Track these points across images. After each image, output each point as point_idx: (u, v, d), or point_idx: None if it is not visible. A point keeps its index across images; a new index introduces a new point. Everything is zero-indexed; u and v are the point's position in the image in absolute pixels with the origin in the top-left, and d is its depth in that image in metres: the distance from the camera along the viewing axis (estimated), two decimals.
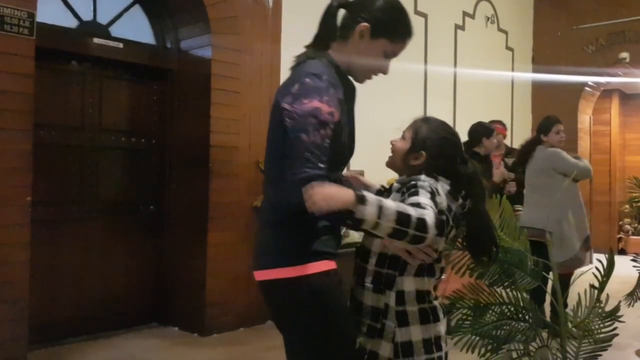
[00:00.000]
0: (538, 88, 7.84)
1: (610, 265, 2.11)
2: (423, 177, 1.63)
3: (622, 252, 8.60)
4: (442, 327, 1.62)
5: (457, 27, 6.61)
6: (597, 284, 2.15)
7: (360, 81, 1.67)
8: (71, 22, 3.85)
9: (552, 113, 7.29)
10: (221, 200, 4.08)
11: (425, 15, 6.02)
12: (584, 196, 7.54)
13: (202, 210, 4.04)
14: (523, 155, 4.37)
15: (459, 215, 1.66)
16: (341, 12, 1.62)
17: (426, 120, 1.77)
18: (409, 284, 1.59)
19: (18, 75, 3.11)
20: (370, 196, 1.35)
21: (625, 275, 3.48)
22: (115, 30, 4.06)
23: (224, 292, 4.07)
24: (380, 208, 1.33)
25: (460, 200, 1.66)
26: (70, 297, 3.79)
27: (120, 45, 3.98)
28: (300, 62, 1.58)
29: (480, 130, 4.33)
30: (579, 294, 2.18)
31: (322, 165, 1.41)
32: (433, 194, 1.54)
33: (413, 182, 1.58)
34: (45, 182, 3.59)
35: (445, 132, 1.75)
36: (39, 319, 3.44)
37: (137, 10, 4.22)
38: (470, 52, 6.70)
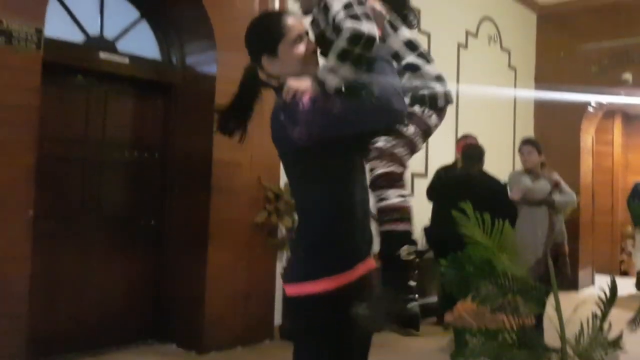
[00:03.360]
0: (540, 107, 7.85)
1: (613, 293, 2.10)
2: None
3: (624, 273, 8.57)
4: None
5: (460, 45, 6.64)
6: (599, 312, 2.14)
7: (314, 70, 1.67)
8: (78, 37, 3.87)
9: (554, 133, 7.42)
10: (222, 216, 4.08)
11: (428, 34, 6.05)
12: (586, 217, 7.60)
13: (203, 226, 4.04)
14: None
15: None
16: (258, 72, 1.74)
17: None
18: None
19: (24, 89, 3.14)
20: (319, 73, 1.54)
21: (627, 298, 3.46)
22: (122, 45, 4.08)
23: (223, 310, 4.05)
24: (331, 70, 1.52)
25: None
26: (69, 312, 3.77)
27: (126, 60, 4.00)
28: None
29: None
30: (581, 322, 2.17)
31: (364, 92, 1.53)
32: None
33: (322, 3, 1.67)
34: (46, 195, 3.58)
35: None
36: (38, 334, 3.42)
37: (143, 25, 4.25)
38: (473, 71, 6.72)
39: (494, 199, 3.87)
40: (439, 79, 1.72)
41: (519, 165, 6.09)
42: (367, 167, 1.64)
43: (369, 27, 1.54)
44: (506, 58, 7.48)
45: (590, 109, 7.73)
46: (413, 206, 1.63)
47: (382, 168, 1.59)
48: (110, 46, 4.02)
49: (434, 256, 4.53)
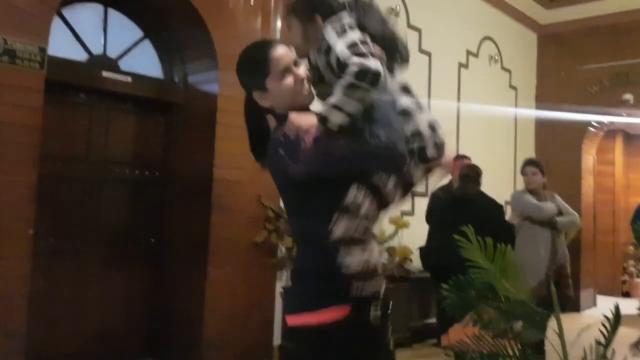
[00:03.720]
0: (541, 127, 7.87)
1: (617, 320, 2.08)
2: (327, 26, 1.67)
3: (626, 294, 8.52)
4: None
5: (460, 65, 6.67)
6: (602, 339, 2.12)
7: (306, 104, 1.68)
8: (81, 56, 3.89)
9: (556, 152, 7.42)
10: (222, 235, 4.07)
11: (429, 54, 6.09)
12: (588, 237, 7.57)
13: (203, 245, 4.02)
14: None
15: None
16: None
17: (289, 4, 1.81)
18: None
19: (27, 108, 3.14)
20: (323, 109, 1.52)
21: (629, 320, 3.43)
22: (124, 64, 4.10)
23: (221, 330, 4.02)
24: (335, 107, 1.50)
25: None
26: (67, 330, 3.74)
27: (129, 79, 4.02)
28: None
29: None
30: (584, 350, 2.15)
31: (368, 137, 1.51)
32: (342, 31, 1.62)
33: (323, 43, 1.64)
34: (47, 213, 3.57)
35: None
36: (37, 352, 3.39)
37: (146, 44, 4.27)
38: (474, 90, 6.75)
39: (491, 220, 3.86)
40: (433, 127, 1.67)
41: (519, 185, 6.10)
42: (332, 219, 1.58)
43: (375, 63, 1.53)
44: (507, 78, 7.51)
45: (592, 129, 7.74)
46: (380, 263, 1.59)
47: (343, 226, 1.53)
48: (113, 65, 4.03)
49: (431, 278, 4.50)
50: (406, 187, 1.64)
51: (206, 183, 4.05)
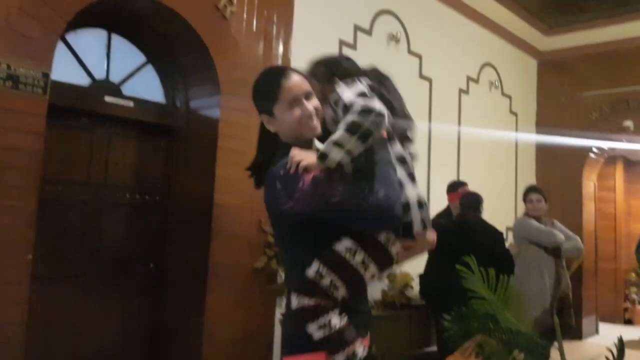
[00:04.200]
0: (542, 153, 7.88)
1: (621, 353, 2.06)
2: (340, 84, 1.71)
3: (628, 321, 8.44)
4: None
5: (461, 91, 6.71)
6: None
7: (309, 137, 1.69)
8: (84, 80, 3.91)
9: (556, 178, 7.42)
10: (222, 260, 4.04)
11: (429, 80, 6.13)
12: (589, 263, 7.53)
13: (202, 270, 4.00)
14: None
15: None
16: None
17: (309, 66, 1.83)
18: None
19: (29, 133, 3.14)
20: (324, 146, 1.51)
21: (631, 348, 3.40)
22: (127, 88, 4.12)
23: (220, 356, 3.97)
24: (336, 144, 1.49)
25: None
26: (65, 356, 3.69)
27: (131, 103, 4.03)
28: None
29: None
30: None
31: (365, 190, 1.49)
32: (351, 84, 1.65)
33: (334, 96, 1.66)
34: (46, 237, 3.56)
35: (330, 55, 1.85)
36: None
37: (149, 69, 4.29)
38: (474, 116, 6.78)
39: (491, 248, 3.85)
40: (421, 204, 1.65)
41: (520, 211, 6.09)
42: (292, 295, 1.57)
43: (380, 105, 1.53)
44: (507, 103, 7.55)
45: (592, 155, 7.75)
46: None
47: (305, 300, 1.51)
48: (116, 89, 4.05)
49: (430, 307, 4.47)
50: (382, 265, 1.62)
51: (206, 208, 4.04)
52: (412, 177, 1.67)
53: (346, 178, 1.51)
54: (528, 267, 4.15)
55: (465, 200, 4.31)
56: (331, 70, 1.75)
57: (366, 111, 1.51)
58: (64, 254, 3.78)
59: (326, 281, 1.51)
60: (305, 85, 1.66)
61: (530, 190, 4.54)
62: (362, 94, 1.59)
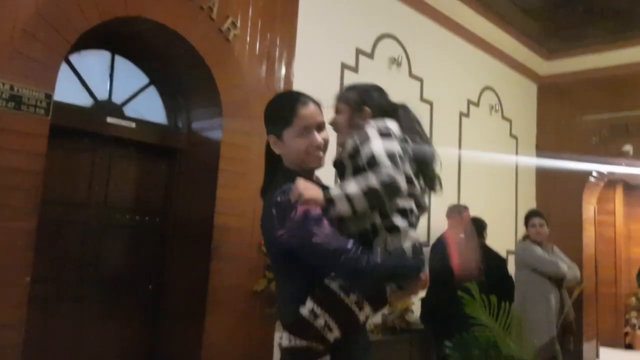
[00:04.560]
0: (542, 176, 7.88)
1: None
2: (372, 122, 1.67)
3: (629, 346, 8.38)
4: None
5: (461, 114, 6.73)
6: None
7: (313, 168, 1.70)
8: (86, 101, 3.92)
9: (556, 202, 7.41)
10: (221, 283, 4.02)
11: (430, 103, 6.15)
12: (590, 288, 7.48)
13: (201, 293, 3.97)
14: None
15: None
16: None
17: (346, 87, 1.84)
18: None
19: (30, 154, 3.13)
20: (335, 193, 1.48)
21: None
22: (129, 109, 4.13)
23: None
24: (348, 198, 1.46)
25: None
26: None
27: (133, 124, 4.04)
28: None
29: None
30: None
31: (348, 244, 1.48)
32: (384, 134, 1.60)
33: (361, 137, 1.61)
34: (44, 258, 3.53)
35: (370, 84, 1.83)
36: None
37: (151, 90, 4.31)
38: (475, 139, 6.79)
39: (493, 274, 3.83)
40: (416, 250, 1.63)
41: (520, 234, 6.07)
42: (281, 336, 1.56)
43: (404, 184, 1.52)
44: (507, 127, 7.57)
45: (592, 179, 7.75)
46: None
47: (297, 341, 1.52)
48: (118, 110, 4.06)
49: (432, 333, 4.43)
50: (376, 307, 1.61)
51: (207, 230, 4.02)
52: (414, 224, 1.65)
53: (343, 227, 1.50)
54: (534, 294, 4.11)
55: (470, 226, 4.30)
56: (362, 99, 1.74)
57: (390, 185, 1.48)
58: (62, 275, 3.75)
59: (320, 322, 1.49)
60: (320, 117, 1.66)
61: (532, 214, 4.51)
62: (392, 155, 1.55)
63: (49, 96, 3.22)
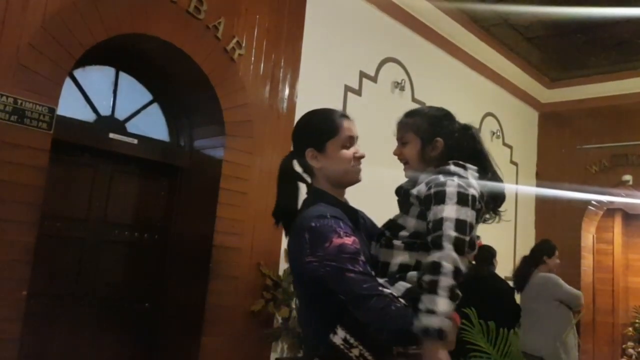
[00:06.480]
0: (542, 203, 7.88)
1: None
2: (452, 168, 1.59)
3: None
4: None
5: None
6: None
7: (353, 181, 1.67)
8: (89, 116, 3.93)
9: (556, 230, 7.38)
10: (219, 302, 3.98)
11: None
12: (587, 317, 7.43)
13: (198, 312, 3.93)
14: (523, 279, 4.41)
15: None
16: (294, 164, 1.72)
17: (412, 113, 1.75)
18: None
19: (31, 168, 3.12)
20: (426, 322, 1.38)
21: None
22: (131, 126, 4.14)
23: None
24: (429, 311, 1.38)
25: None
26: None
27: (135, 141, 4.04)
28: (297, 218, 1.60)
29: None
30: None
31: (380, 288, 1.42)
32: (462, 200, 1.49)
33: (438, 190, 1.51)
34: (41, 273, 3.50)
35: (437, 109, 1.75)
36: None
37: (154, 107, 4.32)
38: None
39: (500, 302, 3.80)
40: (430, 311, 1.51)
41: (518, 260, 6.02)
42: None
43: (464, 269, 1.46)
44: (508, 153, 7.58)
45: (591, 208, 7.75)
46: None
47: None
48: (120, 126, 4.07)
49: None
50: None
51: (206, 248, 4.00)
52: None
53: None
54: (565, 327, 4.08)
55: (479, 254, 4.28)
56: (434, 129, 1.69)
57: (457, 273, 1.43)
58: (59, 291, 3.72)
59: (355, 352, 1.44)
60: (357, 131, 1.68)
61: (555, 247, 4.46)
62: (463, 227, 1.47)
63: (52, 110, 3.22)
